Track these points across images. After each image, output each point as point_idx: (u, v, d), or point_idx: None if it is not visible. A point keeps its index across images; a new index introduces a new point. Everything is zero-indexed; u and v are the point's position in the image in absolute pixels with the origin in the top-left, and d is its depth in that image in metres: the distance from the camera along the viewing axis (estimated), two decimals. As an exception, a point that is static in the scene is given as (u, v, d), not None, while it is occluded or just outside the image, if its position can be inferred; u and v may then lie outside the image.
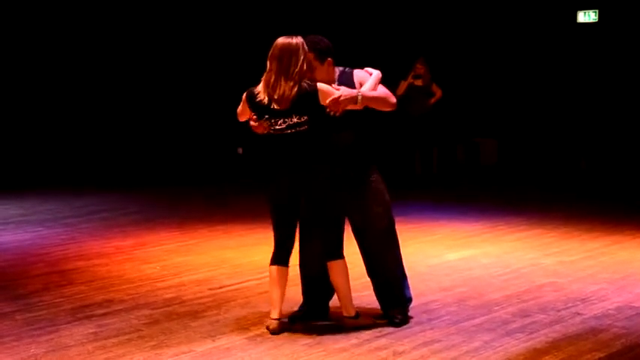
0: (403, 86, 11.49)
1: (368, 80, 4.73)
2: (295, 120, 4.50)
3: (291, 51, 4.48)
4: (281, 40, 4.54)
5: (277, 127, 4.54)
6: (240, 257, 6.86)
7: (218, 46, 13.56)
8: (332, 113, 4.55)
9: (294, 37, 4.53)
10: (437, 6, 14.08)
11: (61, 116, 12.75)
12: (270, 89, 4.50)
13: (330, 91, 4.54)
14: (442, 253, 7.09)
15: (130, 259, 6.78)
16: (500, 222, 8.64)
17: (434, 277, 6.19)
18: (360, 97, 4.60)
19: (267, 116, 4.54)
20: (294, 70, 4.46)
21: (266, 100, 4.52)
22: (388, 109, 4.76)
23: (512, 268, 6.51)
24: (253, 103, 4.58)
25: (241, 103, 4.71)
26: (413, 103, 11.46)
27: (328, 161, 4.60)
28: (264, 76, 4.57)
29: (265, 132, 4.58)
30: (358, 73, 4.82)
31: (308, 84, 4.52)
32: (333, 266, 4.66)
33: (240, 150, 13.17)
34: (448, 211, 9.39)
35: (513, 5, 13.96)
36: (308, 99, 4.49)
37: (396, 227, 4.96)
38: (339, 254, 4.67)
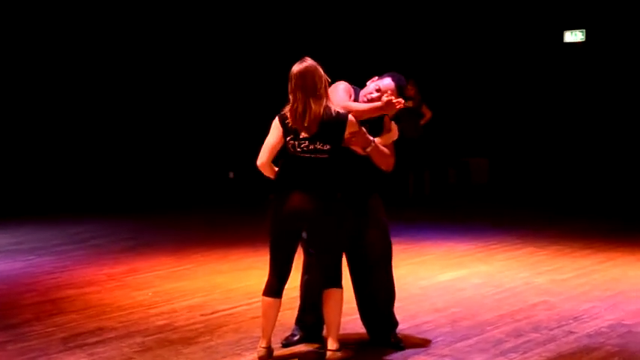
0: (393, 108, 11.49)
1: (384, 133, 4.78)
2: (318, 146, 4.46)
3: (312, 72, 4.45)
4: (296, 67, 4.48)
5: (299, 148, 4.49)
6: (232, 282, 6.81)
7: (209, 72, 13.56)
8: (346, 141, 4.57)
9: (304, 61, 4.50)
10: (425, 28, 14.14)
11: (52, 143, 12.70)
12: (299, 120, 4.44)
13: (357, 128, 4.54)
14: (435, 274, 7.06)
15: (122, 286, 6.73)
16: (492, 241, 8.63)
17: (427, 298, 6.15)
18: (372, 146, 4.65)
19: (291, 136, 4.49)
20: (320, 86, 4.45)
21: (293, 127, 4.50)
22: (384, 168, 4.79)
23: (504, 288, 6.48)
24: (284, 124, 4.53)
25: (272, 130, 4.57)
26: (404, 124, 11.46)
27: (339, 189, 4.56)
28: (289, 109, 4.48)
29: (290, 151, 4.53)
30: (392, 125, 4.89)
31: (339, 112, 4.50)
32: (331, 295, 4.56)
33: (231, 174, 13.14)
34: (440, 232, 9.37)
35: (500, 25, 14.03)
36: (335, 128, 4.47)
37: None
38: (337, 282, 4.61)
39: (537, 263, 7.47)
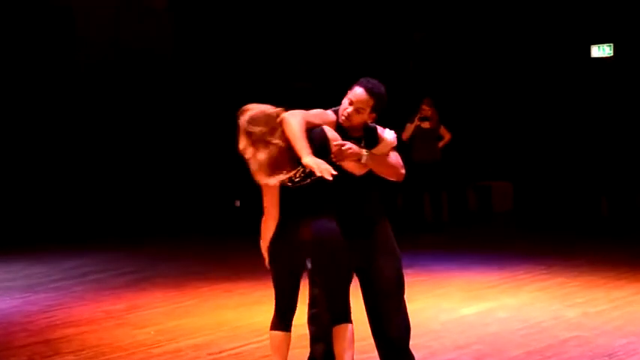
0: (409, 129, 11.49)
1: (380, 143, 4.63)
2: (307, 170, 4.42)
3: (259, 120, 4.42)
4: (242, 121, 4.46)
5: (295, 179, 4.44)
6: (240, 318, 6.78)
7: (214, 98, 13.62)
8: (335, 160, 4.46)
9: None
10: (443, 43, 14.15)
11: (45, 170, 12.75)
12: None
13: (335, 136, 4.48)
14: (456, 307, 6.99)
15: (122, 324, 6.69)
16: (518, 271, 8.56)
17: (448, 334, 6.09)
18: (365, 157, 4.48)
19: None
20: (266, 131, 4.38)
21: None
22: (393, 179, 4.66)
23: (532, 322, 6.41)
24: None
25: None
26: (420, 147, 11.45)
27: (336, 215, 4.51)
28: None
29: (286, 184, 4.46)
30: (385, 134, 4.69)
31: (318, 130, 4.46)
32: (340, 331, 4.52)
33: (237, 203, 13.13)
34: (461, 261, 9.31)
35: (526, 40, 14.00)
36: (319, 146, 4.43)
37: (405, 279, 4.87)
38: (346, 318, 4.55)
39: (568, 295, 7.39)
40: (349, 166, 4.48)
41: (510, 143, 14.32)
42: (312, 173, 4.36)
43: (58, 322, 6.83)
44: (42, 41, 12.58)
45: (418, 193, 11.87)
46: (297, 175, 4.42)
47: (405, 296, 4.82)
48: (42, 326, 6.72)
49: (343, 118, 4.58)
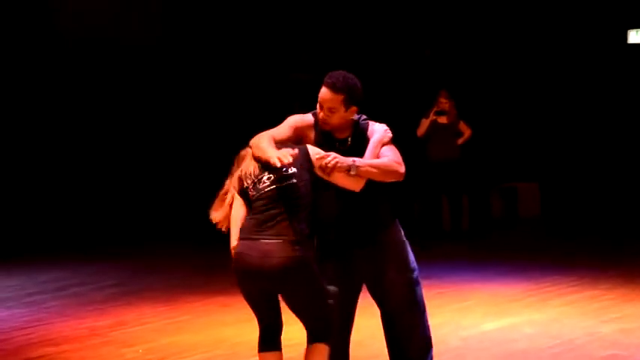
0: (425, 125, 11.54)
1: (369, 144, 4.61)
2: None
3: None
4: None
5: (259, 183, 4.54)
6: (238, 335, 6.84)
7: (199, 100, 13.74)
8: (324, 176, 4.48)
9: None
10: (464, 28, 14.16)
11: (17, 178, 12.84)
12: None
13: (317, 151, 4.51)
14: (478, 323, 7.07)
15: (108, 342, 6.76)
16: (545, 283, 8.63)
17: (469, 352, 6.16)
18: (355, 167, 4.45)
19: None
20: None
21: None
22: (392, 180, 4.62)
23: (563, 339, 6.48)
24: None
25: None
26: (437, 144, 11.50)
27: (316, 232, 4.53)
28: None
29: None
30: (374, 129, 4.70)
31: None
32: (313, 351, 4.47)
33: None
34: (483, 272, 9.38)
35: (557, 24, 13.99)
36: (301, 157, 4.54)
37: (423, 292, 4.93)
38: (325, 336, 4.50)
39: (601, 310, 7.45)
40: (343, 182, 4.48)
41: (538, 139, 14.35)
42: (281, 177, 4.41)
43: (35, 341, 6.90)
44: (17, 33, 12.69)
45: (435, 197, 11.91)
46: (261, 179, 4.46)
47: (427, 310, 4.89)
48: (18, 345, 6.79)
49: (321, 122, 4.64)
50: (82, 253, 11.52)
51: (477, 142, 12.16)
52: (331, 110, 4.59)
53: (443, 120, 11.58)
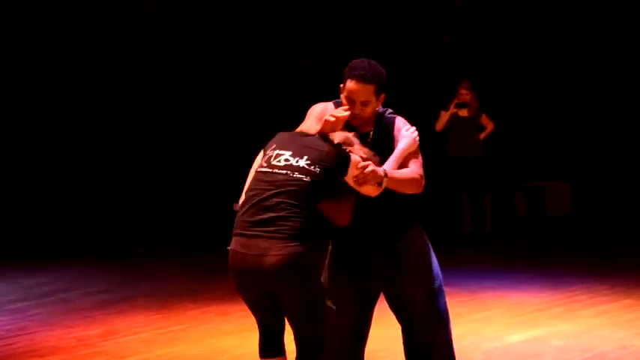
0: (444, 118, 11.55)
1: (395, 151, 4.61)
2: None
3: None
4: None
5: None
6: (239, 346, 6.87)
7: (197, 99, 13.80)
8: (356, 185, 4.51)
9: None
10: (486, 11, 14.15)
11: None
12: None
13: (358, 160, 4.51)
14: (502, 334, 7.09)
15: (98, 354, 6.79)
16: (575, 291, 8.65)
17: (492, 366, 6.20)
18: (386, 180, 4.47)
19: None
20: None
21: None
22: (410, 192, 4.65)
23: (595, 352, 6.50)
24: None
25: None
26: (457, 139, 11.52)
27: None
28: None
29: None
30: (400, 128, 4.70)
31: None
32: None
33: (236, 206, 13.16)
34: (507, 279, 9.40)
35: (593, 10, 13.94)
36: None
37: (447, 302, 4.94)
38: (314, 356, 4.49)
39: (636, 320, 7.47)
40: (366, 191, 4.48)
41: (568, 135, 14.35)
42: (300, 168, 4.39)
43: (20, 351, 6.93)
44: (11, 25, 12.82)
45: (455, 197, 11.92)
46: (281, 157, 4.46)
47: (450, 323, 4.90)
48: (2, 356, 6.82)
49: (353, 118, 4.62)
50: (69, 256, 11.54)
51: (500, 137, 12.18)
52: (364, 104, 4.61)
53: (464, 113, 11.58)
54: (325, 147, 4.43)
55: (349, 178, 4.44)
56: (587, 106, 14.22)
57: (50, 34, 13.07)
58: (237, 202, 4.64)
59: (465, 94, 11.57)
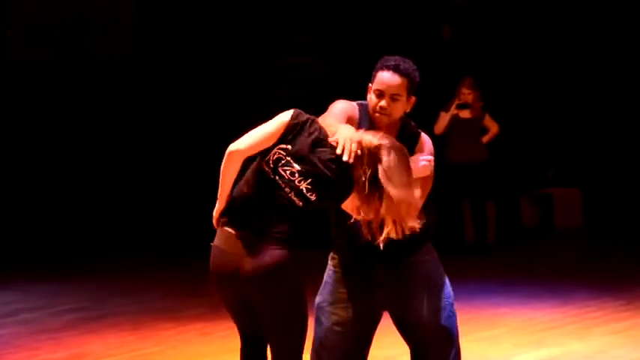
0: (444, 120, 11.56)
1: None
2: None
3: None
4: None
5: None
6: (221, 370, 6.88)
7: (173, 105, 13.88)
8: None
9: None
10: (490, 5, 14.17)
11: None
12: None
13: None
14: (509, 355, 7.12)
15: (65, 378, 6.80)
16: (588, 308, 8.67)
17: (499, 390, 6.19)
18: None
19: None
20: None
21: None
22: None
23: (610, 374, 6.52)
24: None
25: None
26: (458, 144, 11.51)
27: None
28: None
29: None
30: (422, 147, 4.75)
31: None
32: None
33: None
34: (514, 294, 9.41)
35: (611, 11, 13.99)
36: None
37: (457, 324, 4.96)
38: None
39: (654, 339, 7.50)
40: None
41: (578, 138, 14.37)
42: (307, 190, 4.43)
43: (-20, 375, 6.94)
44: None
45: (456, 204, 11.91)
46: (291, 166, 4.45)
47: (460, 346, 4.92)
48: (-41, 381, 6.83)
49: (378, 115, 4.62)
50: (34, 272, 11.50)
51: (505, 140, 12.18)
52: (394, 98, 4.61)
53: (466, 114, 11.61)
54: (333, 171, 4.39)
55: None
56: (602, 106, 14.21)
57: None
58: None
59: (467, 94, 11.58)
